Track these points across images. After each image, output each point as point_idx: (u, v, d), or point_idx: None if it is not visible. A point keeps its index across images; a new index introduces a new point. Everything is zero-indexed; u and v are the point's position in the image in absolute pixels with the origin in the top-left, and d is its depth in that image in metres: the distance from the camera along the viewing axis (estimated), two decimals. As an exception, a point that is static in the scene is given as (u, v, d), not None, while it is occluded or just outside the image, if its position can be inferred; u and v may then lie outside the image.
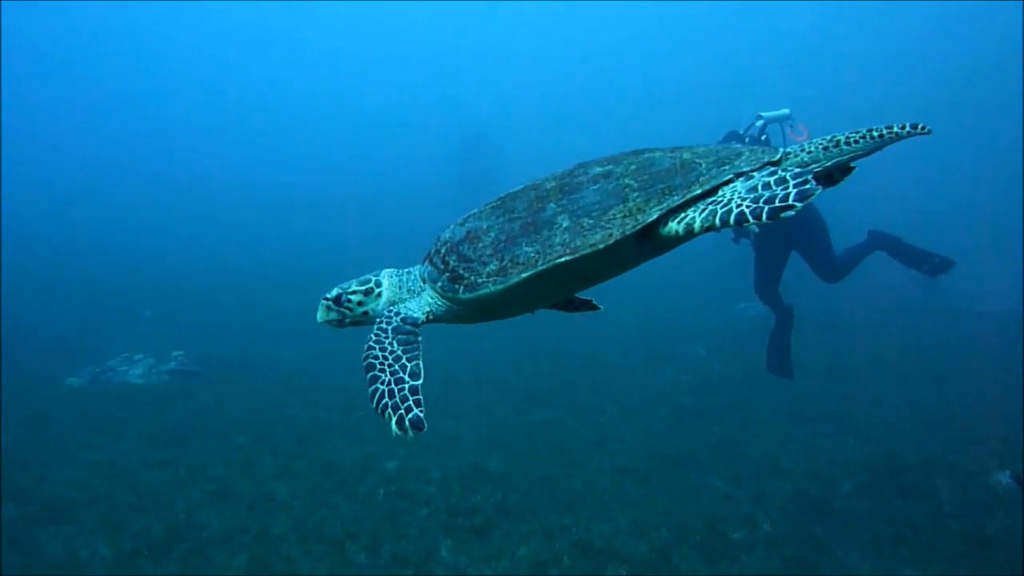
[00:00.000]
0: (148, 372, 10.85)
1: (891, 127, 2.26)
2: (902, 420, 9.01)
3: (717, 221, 2.00)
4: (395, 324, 2.51)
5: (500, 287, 2.30)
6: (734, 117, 8.48)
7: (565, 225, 2.26)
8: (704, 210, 2.07)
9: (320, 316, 2.75)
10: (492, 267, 2.33)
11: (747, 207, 1.96)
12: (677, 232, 2.14)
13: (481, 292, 2.34)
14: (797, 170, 2.03)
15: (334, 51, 61.97)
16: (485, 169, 29.84)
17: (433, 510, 6.50)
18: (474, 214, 2.54)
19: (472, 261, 2.38)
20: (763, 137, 7.97)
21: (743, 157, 2.27)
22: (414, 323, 2.53)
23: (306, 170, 48.37)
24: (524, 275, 2.26)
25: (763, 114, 8.07)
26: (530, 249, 2.28)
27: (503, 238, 2.36)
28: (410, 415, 2.15)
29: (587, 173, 2.41)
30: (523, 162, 40.83)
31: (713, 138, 8.42)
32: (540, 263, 2.24)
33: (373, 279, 2.75)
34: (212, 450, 7.91)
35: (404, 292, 2.70)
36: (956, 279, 10.94)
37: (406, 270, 2.77)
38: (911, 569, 5.68)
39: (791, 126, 8.05)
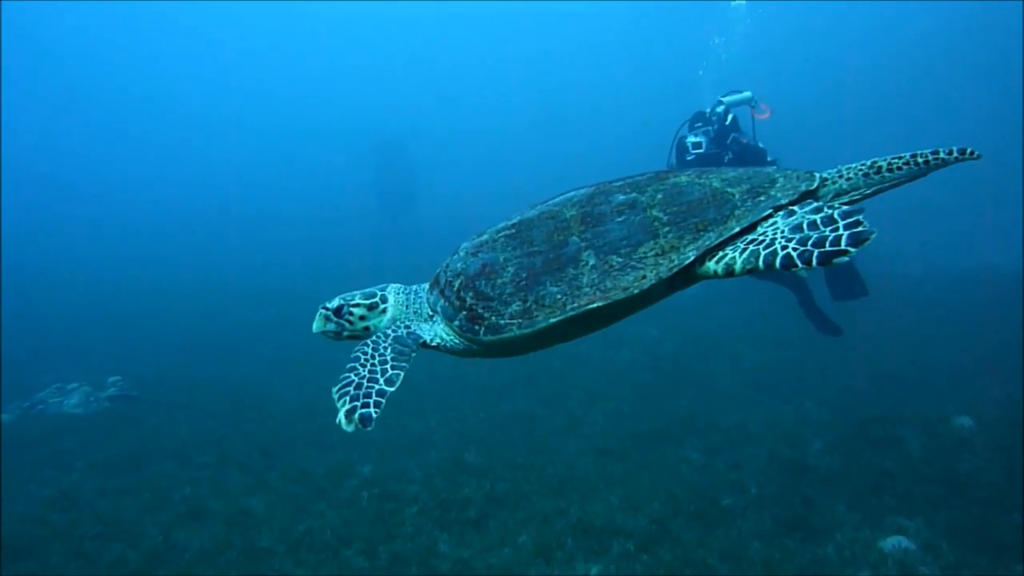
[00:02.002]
0: (86, 401, 10.21)
1: (937, 152, 2.14)
2: (854, 379, 9.42)
3: (761, 263, 1.90)
4: (399, 335, 2.46)
5: (526, 331, 2.18)
6: (697, 98, 8.60)
7: (591, 263, 2.15)
8: (745, 250, 1.97)
9: (317, 326, 2.62)
10: (515, 308, 2.21)
11: (794, 250, 1.84)
12: (716, 272, 2.04)
13: (505, 336, 2.22)
14: (845, 207, 1.90)
15: (247, 53, 59.69)
16: (403, 176, 29.30)
17: (423, 507, 6.36)
18: (486, 242, 2.41)
19: (492, 300, 2.26)
20: (728, 121, 8.09)
21: (777, 185, 2.16)
22: (416, 340, 2.45)
23: (216, 176, 46.69)
24: (552, 320, 2.14)
25: (723, 99, 8.18)
26: (556, 290, 2.16)
27: (524, 275, 2.23)
28: (363, 410, 2.14)
29: (609, 201, 2.29)
30: (442, 169, 40.82)
31: (669, 131, 8.59)
32: (569, 307, 2.12)
33: (379, 294, 2.64)
34: (174, 472, 7.51)
35: (410, 313, 2.61)
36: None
37: (412, 289, 2.67)
38: (899, 516, 5.91)
39: (754, 107, 8.23)
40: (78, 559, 5.80)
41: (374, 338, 2.47)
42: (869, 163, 2.23)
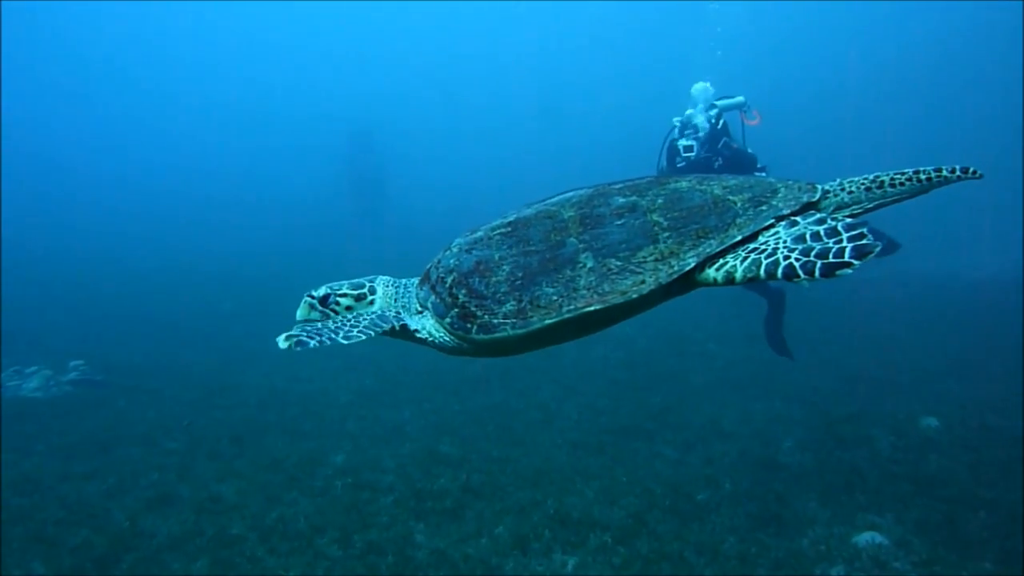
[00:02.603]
0: (46, 384, 9.94)
1: (939, 170, 2.14)
2: (823, 380, 9.56)
3: (762, 272, 1.90)
4: (386, 314, 2.44)
5: (520, 332, 2.13)
6: (685, 103, 8.56)
7: (589, 265, 2.12)
8: (746, 259, 1.97)
9: (300, 314, 2.56)
10: (509, 307, 2.16)
11: (796, 260, 1.84)
12: (715, 280, 2.03)
13: (497, 335, 2.17)
14: (848, 220, 1.91)
15: (228, 46, 58.51)
16: (374, 168, 29.02)
17: (398, 497, 6.29)
18: (480, 239, 2.35)
19: (485, 298, 2.20)
20: (720, 125, 8.10)
21: (779, 195, 2.15)
22: (398, 323, 2.41)
23: (193, 165, 45.80)
24: (548, 321, 2.10)
25: (717, 103, 8.17)
26: (552, 291, 2.12)
27: (519, 274, 2.19)
28: (304, 338, 2.17)
29: (609, 204, 2.25)
30: (414, 162, 40.60)
31: (653, 133, 8.58)
32: (565, 309, 2.08)
33: (368, 284, 2.59)
34: (141, 458, 7.34)
35: (397, 307, 2.55)
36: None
37: (402, 282, 2.61)
38: (869, 513, 6.00)
39: (745, 112, 8.25)
40: (40, 543, 5.62)
41: (359, 312, 2.48)
42: (872, 177, 2.22)
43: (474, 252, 2.31)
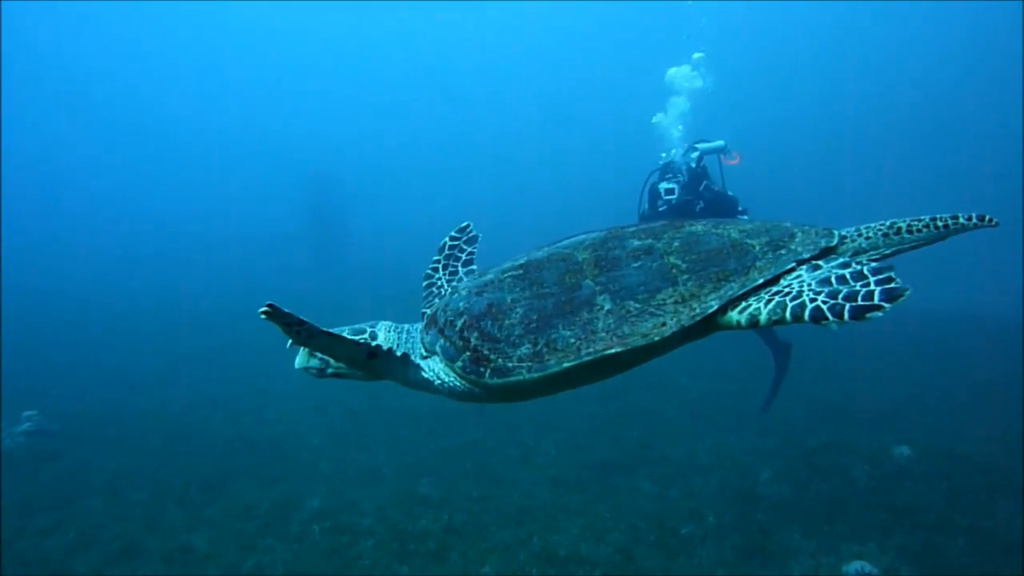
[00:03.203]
0: (-3, 437, 9.46)
1: (956, 217, 2.17)
2: (793, 412, 9.65)
3: (788, 315, 1.87)
4: (398, 353, 2.38)
5: (536, 375, 2.06)
6: (664, 146, 8.65)
7: (607, 308, 2.08)
8: (770, 301, 1.94)
9: (300, 361, 2.51)
10: (524, 350, 2.10)
11: (824, 303, 1.82)
12: (739, 323, 2.00)
13: (512, 379, 2.09)
14: (875, 264, 1.90)
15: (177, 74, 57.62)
16: (335, 209, 28.80)
17: (379, 540, 6.12)
18: (491, 282, 2.30)
19: (498, 341, 2.14)
20: (699, 168, 8.17)
21: (797, 239, 2.15)
22: (402, 358, 2.35)
23: (149, 204, 44.78)
24: (566, 364, 2.03)
25: (699, 146, 8.25)
26: (569, 333, 2.07)
27: (534, 316, 2.13)
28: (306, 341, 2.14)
29: (624, 246, 2.23)
30: (377, 203, 40.50)
31: (631, 171, 8.67)
32: (584, 352, 2.02)
33: (368, 330, 2.52)
34: (103, 509, 7.02)
35: (400, 352, 2.47)
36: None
37: (404, 328, 2.55)
38: (852, 542, 6.02)
39: (725, 154, 8.35)
40: (0, 602, 5.31)
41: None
42: (888, 223, 2.24)
43: (485, 295, 2.26)
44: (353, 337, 2.46)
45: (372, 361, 2.36)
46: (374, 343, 2.41)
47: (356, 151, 51.61)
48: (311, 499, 7.14)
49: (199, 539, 6.29)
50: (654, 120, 9.83)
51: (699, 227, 2.27)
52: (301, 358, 2.52)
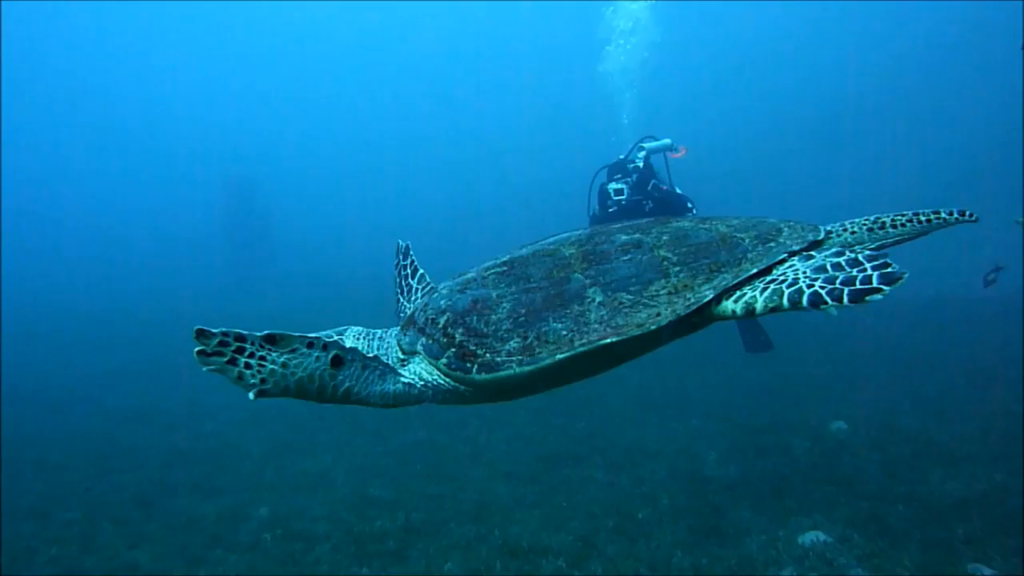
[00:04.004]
0: (-96, 463, 8.77)
1: (938, 212, 2.25)
2: (731, 395, 9.93)
3: (785, 301, 1.88)
4: (375, 365, 2.22)
5: (528, 368, 2.00)
6: (615, 146, 8.65)
7: (599, 300, 2.05)
8: (766, 289, 1.95)
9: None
10: (513, 344, 2.04)
11: (821, 288, 1.83)
12: (734, 312, 1.99)
13: (502, 373, 2.03)
14: (869, 252, 1.93)
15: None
16: (256, 218, 27.92)
17: (336, 543, 5.95)
18: (473, 280, 2.26)
19: (486, 336, 2.08)
20: (646, 167, 8.14)
21: (785, 234, 2.17)
22: (391, 367, 2.24)
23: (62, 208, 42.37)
24: (559, 356, 1.99)
25: (645, 145, 8.27)
26: (560, 326, 2.02)
27: (522, 310, 2.09)
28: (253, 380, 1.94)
29: (612, 241, 2.22)
30: (299, 210, 39.57)
31: (572, 177, 8.63)
32: (578, 343, 1.98)
33: (335, 338, 2.38)
34: (34, 533, 6.59)
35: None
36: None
37: (376, 334, 2.47)
38: (800, 516, 6.20)
39: (671, 150, 8.37)
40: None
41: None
42: (873, 218, 2.30)
43: (468, 292, 2.21)
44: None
45: (338, 374, 2.14)
46: (334, 352, 2.24)
47: (279, 154, 50.25)
48: (259, 508, 6.90)
49: (143, 556, 5.98)
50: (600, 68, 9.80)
51: (687, 223, 2.28)
52: None
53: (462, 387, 2.20)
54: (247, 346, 1.98)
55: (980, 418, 8.43)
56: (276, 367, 2.00)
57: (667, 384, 10.48)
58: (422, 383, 2.25)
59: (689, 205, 8.04)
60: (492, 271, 2.27)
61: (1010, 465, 7.04)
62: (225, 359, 1.95)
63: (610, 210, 7.92)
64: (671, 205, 7.94)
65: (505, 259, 2.32)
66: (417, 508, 6.56)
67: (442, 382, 2.22)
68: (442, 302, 2.24)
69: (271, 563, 5.69)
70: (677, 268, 2.07)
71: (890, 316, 14.15)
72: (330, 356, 2.06)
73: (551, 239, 2.42)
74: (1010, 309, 13.77)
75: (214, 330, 1.98)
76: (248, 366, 1.97)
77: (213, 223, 28.77)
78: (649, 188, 7.97)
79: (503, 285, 2.19)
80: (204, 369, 1.93)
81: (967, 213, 2.24)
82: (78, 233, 34.58)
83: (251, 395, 2.01)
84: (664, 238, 2.19)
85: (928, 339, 12.41)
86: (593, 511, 6.44)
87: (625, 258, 2.14)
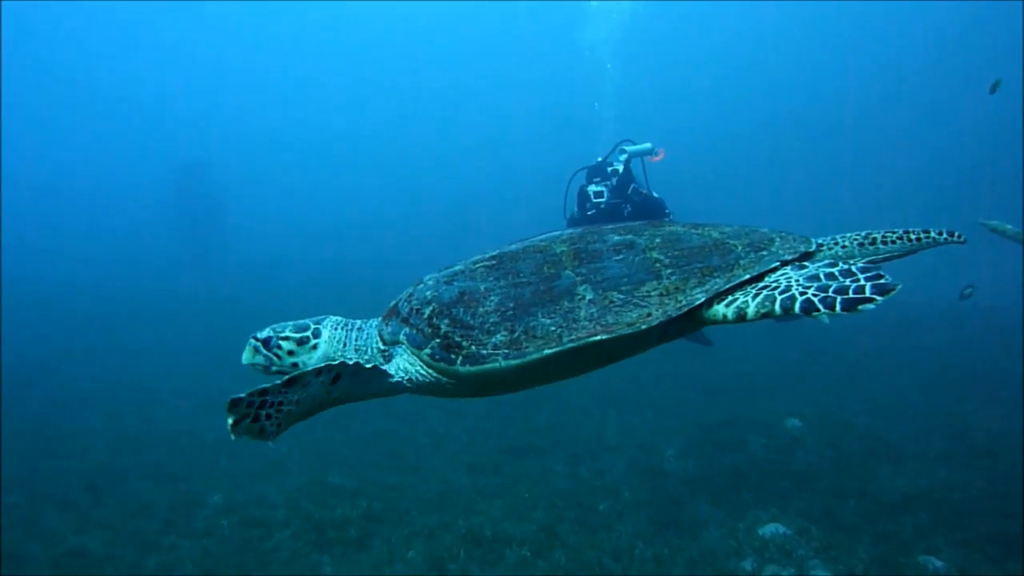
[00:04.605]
0: None
1: (928, 231, 2.27)
2: (687, 392, 10.08)
3: (778, 307, 1.88)
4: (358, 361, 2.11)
5: (514, 362, 1.98)
6: (592, 150, 8.58)
7: (589, 297, 2.03)
8: (758, 295, 1.95)
9: (246, 358, 2.35)
10: (500, 338, 2.01)
11: (815, 296, 1.85)
12: (725, 316, 1.99)
13: (488, 366, 2.00)
14: (863, 264, 1.95)
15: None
16: (206, 204, 27.05)
17: (296, 530, 5.86)
18: (461, 272, 2.24)
19: (472, 328, 2.05)
20: (626, 171, 8.08)
21: (777, 244, 2.18)
22: (382, 371, 2.17)
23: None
24: (546, 351, 1.96)
25: (627, 148, 8.21)
26: (549, 321, 2.00)
27: (510, 304, 2.06)
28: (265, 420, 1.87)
29: (604, 240, 2.22)
30: (253, 197, 38.69)
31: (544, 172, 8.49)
32: (567, 339, 1.95)
33: (312, 327, 2.37)
34: (-29, 517, 6.31)
35: (348, 351, 2.37)
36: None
37: (355, 324, 2.42)
38: (757, 510, 6.31)
39: (652, 154, 8.31)
40: None
41: (302, 360, 2.22)
42: (864, 234, 2.32)
43: (455, 283, 2.18)
44: (294, 335, 2.33)
45: (334, 390, 2.11)
46: (315, 340, 2.31)
47: (232, 139, 49.03)
48: (213, 495, 6.74)
49: (92, 541, 5.78)
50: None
51: (679, 227, 2.28)
52: (247, 355, 2.35)
53: (444, 379, 2.15)
54: (268, 398, 1.90)
55: (924, 418, 8.74)
56: (292, 406, 1.94)
57: (624, 381, 10.57)
58: (402, 374, 2.20)
59: (667, 210, 8.03)
60: (481, 264, 2.24)
61: (952, 462, 7.33)
62: (250, 418, 1.88)
63: (589, 212, 7.86)
64: (649, 209, 7.91)
65: (494, 253, 2.29)
66: (378, 497, 6.49)
67: (424, 373, 2.17)
68: (427, 292, 2.20)
69: (228, 549, 5.57)
70: (669, 270, 2.07)
71: (842, 318, 14.47)
72: (332, 376, 2.01)
73: (541, 236, 2.40)
74: (961, 316, 14.32)
75: (242, 395, 1.88)
76: (268, 416, 1.90)
77: (166, 207, 27.92)
78: (629, 192, 7.92)
79: (491, 278, 2.16)
80: (234, 438, 1.89)
81: (956, 234, 2.27)
82: (24, 211, 33.16)
83: (272, 442, 1.97)
84: (657, 240, 2.19)
85: (877, 341, 12.76)
86: (555, 502, 6.46)
87: (617, 258, 2.13)
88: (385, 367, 2.19)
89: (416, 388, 2.24)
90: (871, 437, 8.00)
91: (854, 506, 6.44)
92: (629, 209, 7.81)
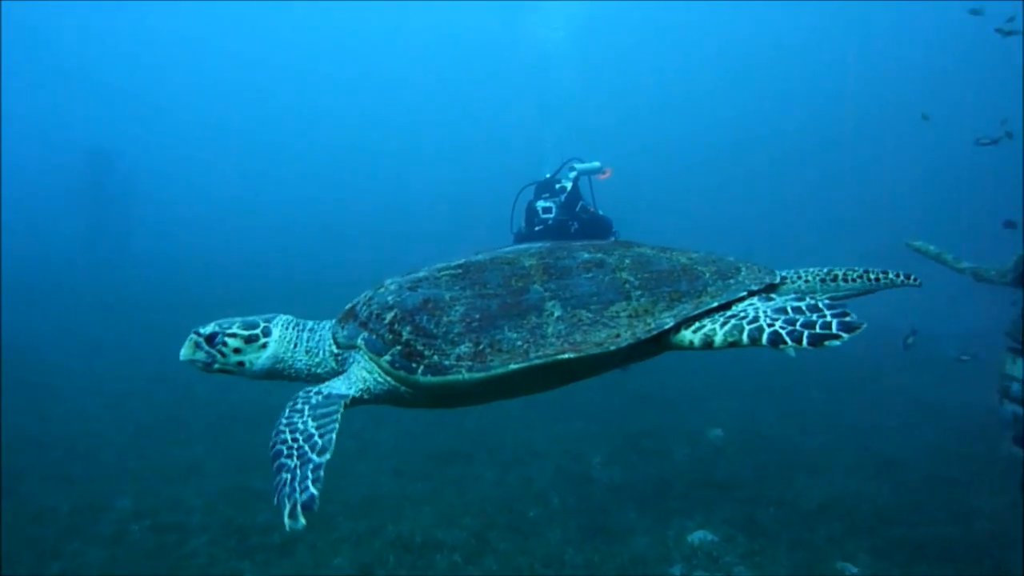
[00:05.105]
0: None
1: (887, 272, 2.34)
2: (612, 400, 10.18)
3: (745, 337, 1.90)
4: (314, 401, 2.07)
5: (477, 375, 1.93)
6: (539, 165, 8.50)
7: (557, 314, 2.01)
8: (726, 324, 1.97)
9: (185, 353, 2.22)
10: (464, 349, 1.97)
11: (782, 328, 1.86)
12: (691, 342, 1.99)
13: (450, 378, 1.95)
14: (828, 300, 1.97)
15: None
16: (113, 195, 25.60)
17: (214, 536, 5.57)
18: (425, 279, 2.17)
19: (435, 337, 2.00)
20: (575, 188, 8.01)
21: (743, 273, 2.20)
22: (341, 399, 2.07)
23: None
24: (512, 367, 1.92)
25: (576, 166, 8.14)
26: (515, 336, 1.97)
27: (476, 316, 2.02)
28: (303, 496, 1.76)
29: (574, 257, 2.20)
30: (164, 189, 36.97)
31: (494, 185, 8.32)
32: (534, 355, 1.93)
33: (262, 325, 2.26)
34: None
35: (299, 352, 2.27)
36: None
37: (306, 325, 2.33)
38: (682, 517, 6.41)
39: (600, 173, 8.26)
40: None
41: (287, 420, 2.04)
42: (826, 270, 2.36)
43: (420, 290, 2.11)
44: (243, 332, 2.21)
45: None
46: (265, 339, 2.24)
47: (141, 128, 46.66)
48: (121, 499, 6.34)
49: (-17, 548, 5.32)
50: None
51: (647, 249, 2.28)
52: (186, 350, 2.22)
53: (402, 388, 2.07)
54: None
55: (834, 429, 9.13)
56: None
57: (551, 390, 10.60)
58: (364, 385, 2.11)
59: (613, 228, 8.03)
60: (446, 272, 2.17)
61: (862, 473, 7.67)
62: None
63: (536, 228, 7.79)
64: (597, 227, 7.89)
65: (460, 262, 2.22)
66: (301, 501, 6.25)
67: (380, 380, 2.09)
68: (389, 298, 2.11)
69: (138, 556, 5.24)
70: (639, 292, 2.06)
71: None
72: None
73: (508, 248, 2.34)
74: (877, 333, 15.00)
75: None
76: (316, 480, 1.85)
77: (73, 195, 26.31)
78: (577, 209, 7.89)
79: (457, 288, 2.09)
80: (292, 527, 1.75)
81: (912, 277, 2.34)
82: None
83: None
84: (627, 261, 2.17)
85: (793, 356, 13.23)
86: (485, 508, 6.39)
87: (587, 275, 2.10)
88: (344, 390, 2.09)
89: (369, 396, 2.13)
90: (787, 448, 8.28)
91: (774, 514, 6.64)
92: (576, 226, 7.78)
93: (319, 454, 1.88)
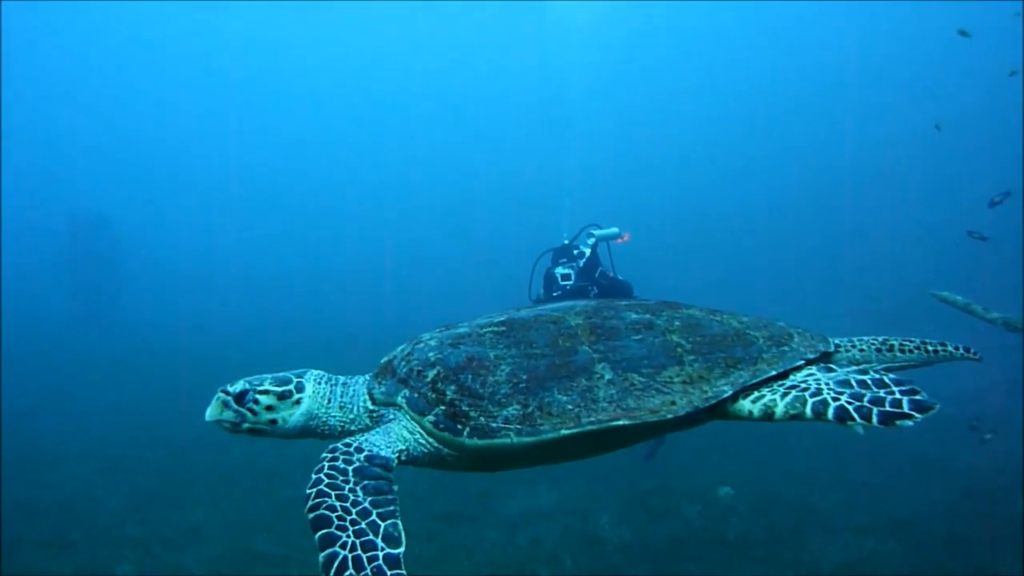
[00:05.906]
0: None
1: (945, 345, 2.32)
2: (615, 458, 9.99)
3: (808, 411, 1.83)
4: (357, 464, 1.97)
5: (527, 440, 1.88)
6: (557, 231, 8.58)
7: (608, 377, 1.95)
8: (787, 394, 1.90)
9: (211, 413, 2.15)
10: (512, 411, 1.91)
11: (848, 403, 1.79)
12: (751, 412, 1.94)
13: (497, 441, 1.89)
14: (894, 376, 1.91)
15: None
16: (103, 261, 25.41)
17: (220, 604, 5.37)
18: (467, 335, 2.12)
19: (481, 398, 1.94)
20: (594, 254, 8.02)
21: (796, 340, 2.14)
22: (384, 465, 1.99)
23: None
24: (564, 432, 1.86)
25: (595, 232, 8.18)
26: (566, 399, 1.90)
27: (523, 376, 1.96)
28: None
29: (621, 318, 2.15)
30: (158, 250, 37.00)
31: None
32: (586, 421, 1.86)
33: (295, 380, 2.21)
34: None
35: (332, 408, 2.22)
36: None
37: (339, 380, 2.28)
38: (700, 578, 6.28)
39: (618, 238, 8.31)
40: None
41: (329, 479, 1.94)
42: (881, 339, 2.33)
43: (462, 347, 2.06)
44: (276, 388, 2.15)
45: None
46: (299, 395, 2.22)
47: (129, 187, 46.80)
48: (121, 565, 6.16)
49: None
50: None
51: (696, 311, 2.24)
52: (213, 410, 2.14)
53: (445, 450, 2.03)
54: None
55: (845, 488, 8.98)
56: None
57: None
58: (404, 446, 2.05)
59: (634, 293, 7.96)
60: (489, 329, 2.12)
61: (878, 534, 7.52)
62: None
63: (555, 294, 7.78)
64: (616, 292, 7.83)
65: (503, 319, 2.17)
66: (311, 564, 6.06)
67: (421, 442, 2.04)
68: (431, 354, 2.06)
69: (143, 624, 5.04)
70: (692, 357, 2.01)
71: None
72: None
73: (552, 305, 2.30)
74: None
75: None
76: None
77: (61, 259, 26.19)
78: (596, 275, 7.89)
79: (502, 346, 2.04)
80: None
81: (971, 351, 2.31)
82: None
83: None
84: (676, 323, 2.13)
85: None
86: (496, 571, 6.23)
87: (636, 337, 2.05)
88: (386, 452, 2.02)
89: (409, 460, 2.07)
90: (800, 507, 8.14)
91: (789, 577, 6.50)
92: (595, 291, 7.77)
93: (389, 543, 1.79)
